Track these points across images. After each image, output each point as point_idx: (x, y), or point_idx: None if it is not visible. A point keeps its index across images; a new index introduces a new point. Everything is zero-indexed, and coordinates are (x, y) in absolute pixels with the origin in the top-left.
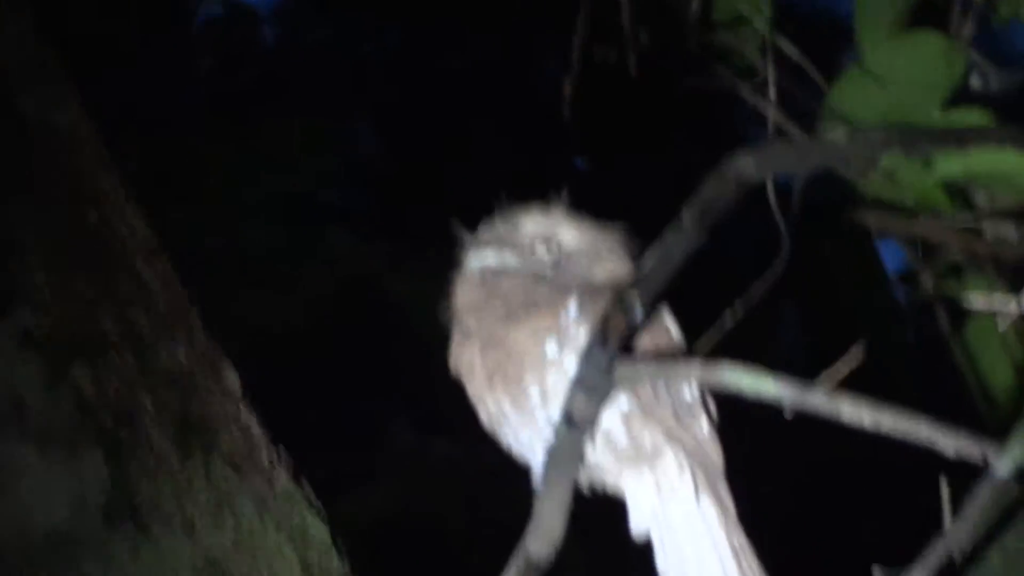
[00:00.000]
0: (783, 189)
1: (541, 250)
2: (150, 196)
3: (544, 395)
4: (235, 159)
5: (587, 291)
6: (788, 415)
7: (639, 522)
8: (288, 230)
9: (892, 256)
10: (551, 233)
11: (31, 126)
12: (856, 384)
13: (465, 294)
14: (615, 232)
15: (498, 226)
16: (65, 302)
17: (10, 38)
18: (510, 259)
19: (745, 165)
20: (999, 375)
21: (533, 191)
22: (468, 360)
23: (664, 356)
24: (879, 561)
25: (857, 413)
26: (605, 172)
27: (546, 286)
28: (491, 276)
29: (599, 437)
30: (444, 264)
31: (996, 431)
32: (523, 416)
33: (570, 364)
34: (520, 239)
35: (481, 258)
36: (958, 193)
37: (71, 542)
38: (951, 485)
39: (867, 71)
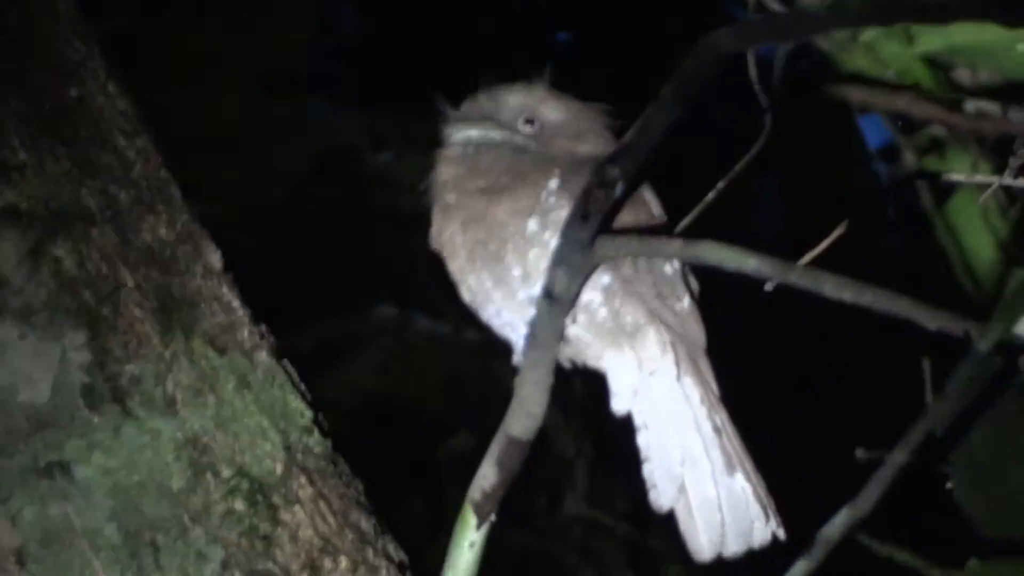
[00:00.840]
0: (765, 64)
1: (523, 125)
2: (128, 71)
3: (525, 272)
4: (211, 32)
5: (569, 167)
6: (769, 289)
7: (621, 400)
8: (266, 103)
9: (874, 131)
10: (533, 109)
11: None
12: (838, 260)
13: (447, 169)
14: (597, 109)
15: (481, 101)
16: (46, 178)
17: None
18: (493, 134)
19: (722, 38)
20: (981, 250)
21: (515, 66)
22: (449, 237)
23: (645, 232)
24: (862, 442)
25: (839, 289)
26: (587, 47)
27: (528, 161)
28: (473, 151)
29: (580, 313)
30: (424, 138)
31: (978, 307)
32: (504, 293)
33: (551, 240)
34: (503, 114)
35: (464, 132)
36: (939, 67)
37: (54, 421)
38: (933, 365)
39: None
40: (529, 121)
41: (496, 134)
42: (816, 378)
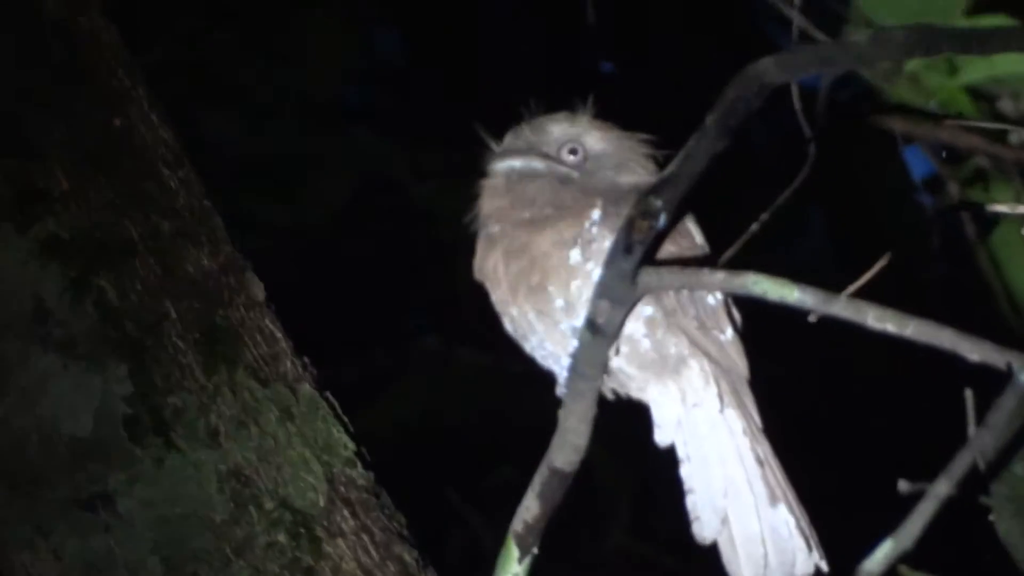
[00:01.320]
0: (810, 94)
1: (567, 155)
2: (171, 100)
3: (568, 303)
4: (253, 63)
5: (611, 198)
6: (812, 321)
7: (664, 432)
8: (308, 134)
9: (918, 163)
10: (577, 139)
11: (54, 30)
12: (882, 291)
13: (490, 199)
14: (641, 139)
15: (525, 131)
16: (89, 209)
17: None
18: (536, 164)
19: (767, 68)
20: None
21: (559, 96)
22: (492, 267)
23: (689, 263)
24: (904, 473)
25: (882, 319)
26: (631, 77)
27: (571, 192)
28: (517, 181)
29: (623, 345)
30: (468, 168)
31: (1021, 337)
32: (547, 324)
33: (594, 271)
34: (546, 144)
35: (507, 163)
36: (983, 98)
37: (96, 453)
38: (976, 396)
39: None
40: (573, 151)
41: (539, 164)
42: (859, 409)
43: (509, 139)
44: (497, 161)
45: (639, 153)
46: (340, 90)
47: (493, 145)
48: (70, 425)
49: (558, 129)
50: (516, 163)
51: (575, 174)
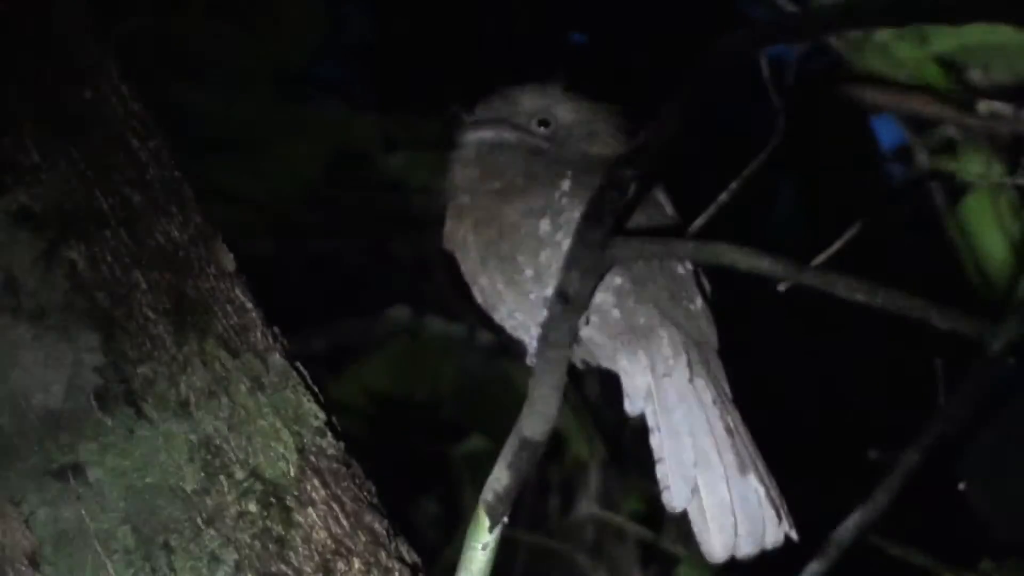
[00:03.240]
0: (779, 64)
1: (537, 127)
2: (140, 72)
3: (537, 273)
4: (222, 34)
5: (582, 168)
6: (782, 290)
7: (634, 402)
8: (277, 105)
9: (887, 132)
10: (548, 110)
11: (22, 1)
12: (852, 261)
13: (460, 170)
14: (612, 110)
15: (495, 102)
16: (59, 180)
17: None
18: (507, 135)
19: (736, 39)
20: (994, 251)
21: (528, 67)
22: (461, 237)
23: (658, 233)
24: (875, 443)
25: (851, 289)
26: (601, 48)
27: (541, 163)
28: (487, 152)
29: (593, 315)
30: (437, 140)
31: (991, 308)
32: (517, 295)
33: (564, 242)
34: (517, 116)
35: (478, 134)
36: (953, 68)
37: (67, 423)
38: (946, 365)
39: None
40: (543, 123)
41: (510, 135)
42: (829, 379)
43: (480, 110)
44: (468, 132)
45: (610, 124)
46: (309, 63)
47: (464, 116)
48: (41, 395)
49: (529, 100)
50: (487, 134)
51: (545, 145)
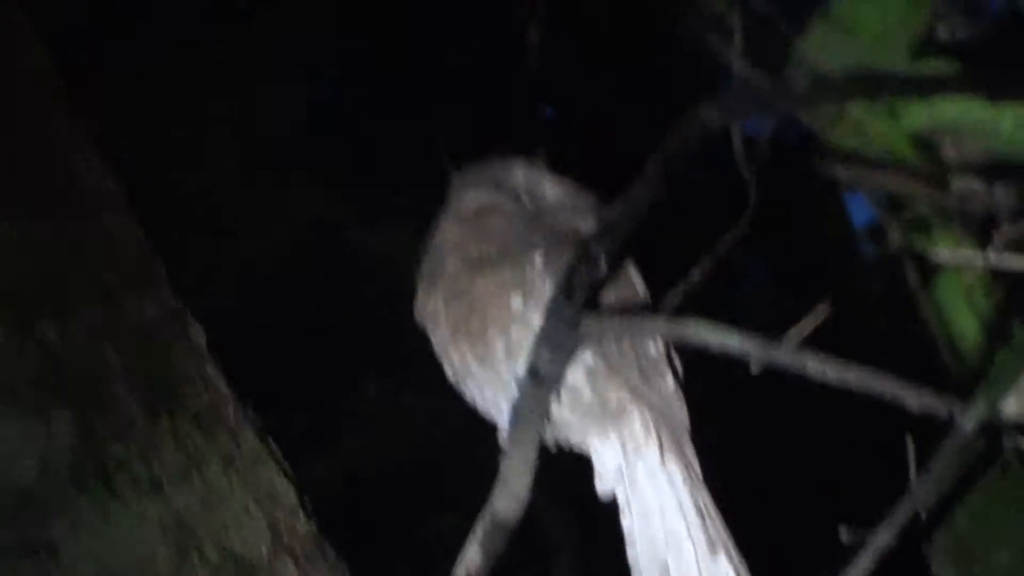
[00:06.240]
0: (751, 140)
1: (527, 199)
2: (111, 142)
3: (509, 349)
4: (194, 104)
5: (554, 243)
6: (754, 370)
7: (605, 482)
8: (249, 177)
9: (860, 210)
10: (537, 183)
11: None
12: (823, 339)
13: (451, 227)
14: (592, 192)
15: (492, 168)
16: (30, 255)
17: None
18: (505, 201)
19: (708, 112)
20: (966, 330)
21: (503, 141)
22: (432, 311)
23: (630, 310)
24: (845, 521)
25: (822, 368)
26: (573, 121)
27: (521, 235)
28: (486, 213)
29: (564, 394)
30: (411, 214)
31: (963, 387)
32: (488, 371)
33: (535, 318)
34: (513, 185)
35: (479, 193)
36: (925, 144)
37: (40, 503)
38: (917, 445)
39: (835, 20)
40: (532, 197)
41: (508, 202)
42: (800, 457)
43: (472, 176)
44: (467, 191)
45: (589, 202)
46: (283, 134)
47: (456, 177)
48: (13, 471)
49: (522, 174)
50: (485, 196)
51: (528, 219)
